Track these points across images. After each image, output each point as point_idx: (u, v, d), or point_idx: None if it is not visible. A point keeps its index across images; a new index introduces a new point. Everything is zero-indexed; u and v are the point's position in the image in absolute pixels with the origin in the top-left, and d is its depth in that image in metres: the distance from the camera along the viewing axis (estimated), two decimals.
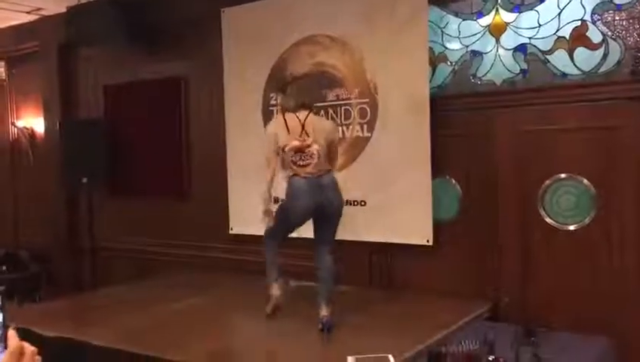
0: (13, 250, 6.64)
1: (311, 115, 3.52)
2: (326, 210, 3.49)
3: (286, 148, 3.40)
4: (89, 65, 6.31)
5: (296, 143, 3.41)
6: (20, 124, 6.88)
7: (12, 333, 0.89)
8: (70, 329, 3.69)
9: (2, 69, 7.05)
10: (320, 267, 3.60)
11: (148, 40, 5.55)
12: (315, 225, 3.61)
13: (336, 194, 3.52)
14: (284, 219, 3.54)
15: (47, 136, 6.55)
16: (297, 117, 3.47)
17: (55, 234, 6.48)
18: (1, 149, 7.08)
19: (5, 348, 0.87)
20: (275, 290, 3.61)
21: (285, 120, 3.48)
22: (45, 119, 6.58)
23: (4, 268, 6.33)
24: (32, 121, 6.81)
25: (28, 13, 6.24)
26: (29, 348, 0.89)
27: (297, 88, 3.62)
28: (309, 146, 3.41)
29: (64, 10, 5.75)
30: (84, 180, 5.97)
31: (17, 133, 6.90)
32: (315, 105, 3.72)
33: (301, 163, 3.42)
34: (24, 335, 0.90)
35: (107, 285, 5.63)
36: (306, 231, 3.64)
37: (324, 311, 3.50)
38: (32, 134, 6.80)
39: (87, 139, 5.93)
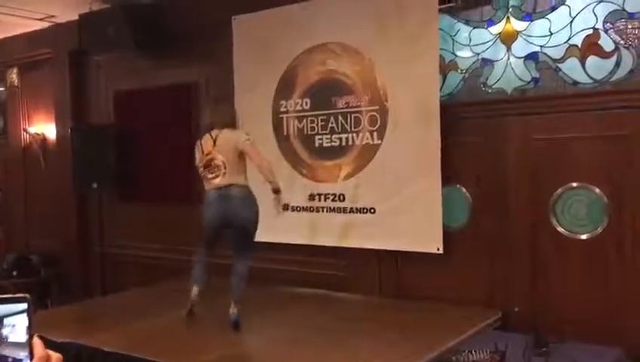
0: (25, 254, 6.68)
1: (224, 130, 3.72)
2: (232, 220, 3.69)
3: (198, 166, 3.71)
4: (100, 72, 6.35)
5: (201, 158, 3.68)
6: (32, 130, 6.92)
7: (37, 341, 0.85)
8: (81, 335, 3.70)
9: (14, 76, 7.10)
10: (233, 272, 3.80)
11: (159, 47, 5.58)
12: (230, 234, 3.81)
13: (245, 207, 3.69)
14: (203, 228, 3.81)
15: (58, 141, 6.60)
16: (211, 135, 3.70)
17: (65, 239, 6.51)
18: (13, 155, 7.13)
19: (31, 355, 0.84)
20: (193, 293, 3.76)
21: (201, 142, 3.74)
22: (57, 125, 6.63)
23: (15, 273, 6.35)
24: (44, 127, 6.85)
25: (40, 20, 6.29)
26: (55, 355, 0.87)
27: (212, 110, 3.93)
28: (213, 159, 3.65)
29: (76, 17, 5.80)
30: (95, 185, 6.02)
31: (29, 139, 6.95)
32: (228, 126, 3.81)
33: (209, 176, 3.66)
34: None
35: (117, 290, 5.65)
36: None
37: (232, 309, 3.67)
38: (43, 140, 6.84)
39: (98, 145, 5.98)
